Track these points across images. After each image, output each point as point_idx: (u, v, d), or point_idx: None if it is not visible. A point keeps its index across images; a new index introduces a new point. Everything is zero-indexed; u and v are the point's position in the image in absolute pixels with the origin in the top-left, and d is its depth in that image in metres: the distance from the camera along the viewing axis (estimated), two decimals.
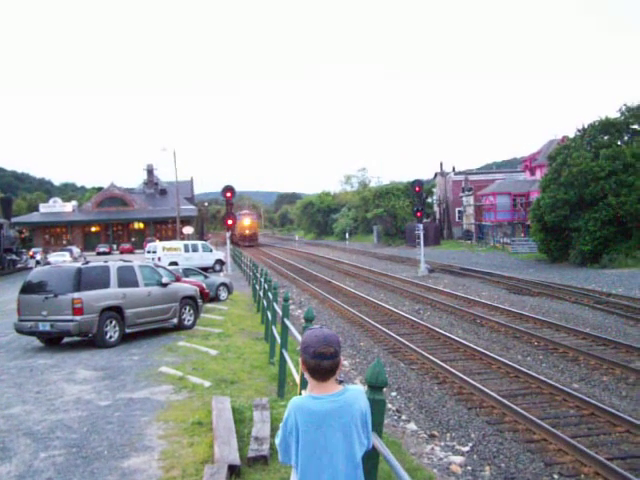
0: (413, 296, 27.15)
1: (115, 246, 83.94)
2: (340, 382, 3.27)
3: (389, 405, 11.50)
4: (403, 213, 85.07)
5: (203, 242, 49.87)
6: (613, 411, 10.16)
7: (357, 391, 3.31)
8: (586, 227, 39.15)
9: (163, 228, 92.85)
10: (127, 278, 16.02)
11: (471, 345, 15.65)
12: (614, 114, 43.60)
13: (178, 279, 20.69)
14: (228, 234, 46.12)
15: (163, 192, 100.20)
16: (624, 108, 43.30)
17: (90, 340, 15.25)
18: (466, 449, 9.29)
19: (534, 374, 12.61)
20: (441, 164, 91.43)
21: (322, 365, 3.16)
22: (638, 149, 39.64)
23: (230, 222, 43.31)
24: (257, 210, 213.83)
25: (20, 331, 15.36)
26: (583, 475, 8.05)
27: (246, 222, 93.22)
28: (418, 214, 40.21)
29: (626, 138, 43.21)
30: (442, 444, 9.55)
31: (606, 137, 43.12)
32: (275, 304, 13.61)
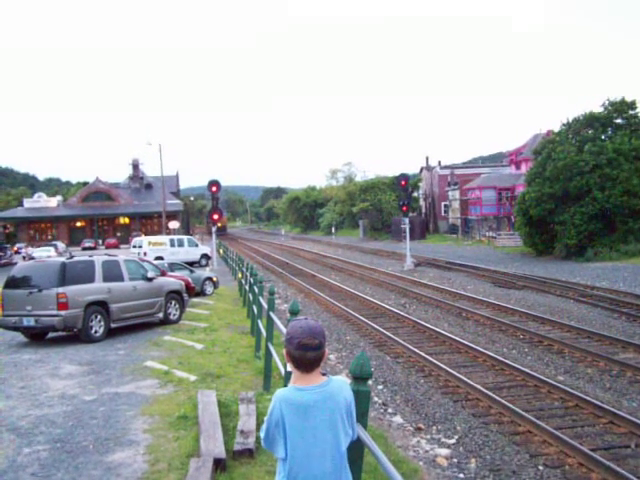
0: (399, 290, 27.20)
1: (101, 241, 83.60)
2: (323, 374, 3.26)
3: (375, 398, 11.52)
4: (389, 207, 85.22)
5: (189, 237, 49.76)
6: (597, 402, 10.23)
7: (341, 382, 3.31)
8: (571, 221, 39.39)
9: (149, 223, 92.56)
10: (112, 273, 15.94)
11: (457, 338, 15.70)
12: (598, 109, 43.90)
13: (164, 273, 20.61)
14: (214, 228, 45.93)
15: (149, 187, 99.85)
16: (607, 103, 43.56)
17: (75, 335, 15.17)
18: (452, 442, 9.32)
19: (519, 367, 12.67)
20: (427, 158, 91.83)
21: (306, 356, 3.15)
22: (620, 144, 39.91)
23: (216, 217, 43.16)
24: (243, 205, 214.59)
25: (4, 326, 15.25)
26: (567, 466, 8.10)
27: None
28: (404, 208, 40.19)
29: (610, 132, 43.46)
30: (428, 437, 9.58)
31: (590, 131, 43.36)
32: (261, 298, 13.59)
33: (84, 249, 70.30)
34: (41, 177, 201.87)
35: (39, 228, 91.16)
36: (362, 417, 3.55)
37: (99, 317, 15.25)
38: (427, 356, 13.86)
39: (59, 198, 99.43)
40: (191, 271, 26.48)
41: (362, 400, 3.54)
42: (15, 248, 67.12)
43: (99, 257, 16.31)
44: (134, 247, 43.09)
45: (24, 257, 54.22)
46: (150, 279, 17.03)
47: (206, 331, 16.52)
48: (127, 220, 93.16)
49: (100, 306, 15.25)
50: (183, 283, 19.02)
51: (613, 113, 43.40)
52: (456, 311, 20.80)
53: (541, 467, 8.15)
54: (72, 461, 7.20)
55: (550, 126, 58.42)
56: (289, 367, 3.27)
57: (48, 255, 49.20)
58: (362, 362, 3.58)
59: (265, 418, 3.29)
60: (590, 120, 43.30)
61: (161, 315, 17.37)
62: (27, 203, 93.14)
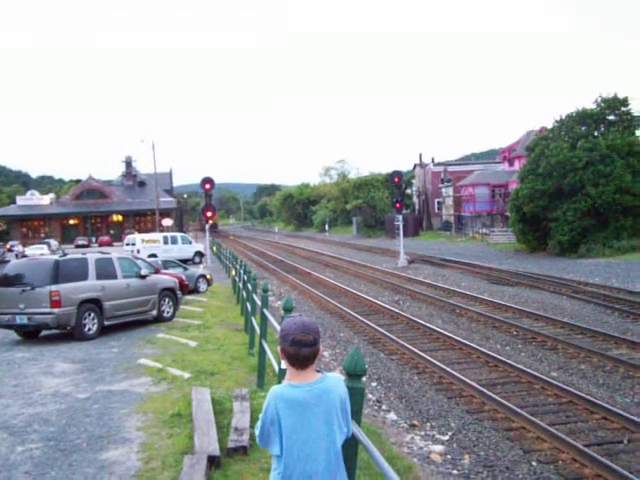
0: (393, 287, 27.20)
1: (94, 239, 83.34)
2: (317, 371, 3.25)
3: (369, 395, 11.53)
4: (382, 204, 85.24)
5: (182, 234, 49.68)
6: (590, 398, 10.26)
7: (336, 378, 3.30)
8: (564, 217, 39.50)
9: (142, 220, 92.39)
10: (105, 270, 15.89)
11: (451, 335, 15.72)
12: (591, 105, 43.99)
13: (157, 271, 20.58)
14: (207, 226, 45.86)
15: (142, 184, 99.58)
16: (600, 99, 43.67)
17: (68, 333, 15.12)
18: (446, 438, 9.33)
19: (513, 363, 12.69)
20: (420, 155, 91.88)
21: (301, 353, 3.14)
22: (613, 140, 40.04)
23: (210, 214, 43.08)
24: (236, 202, 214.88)
25: None
26: (561, 461, 8.12)
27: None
28: (397, 205, 40.14)
29: (602, 129, 43.58)
30: (422, 433, 9.59)
31: (583, 128, 43.48)
32: (254, 295, 13.58)
33: (77, 247, 69.98)
34: (34, 175, 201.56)
35: (32, 226, 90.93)
36: (356, 414, 3.54)
37: (92, 315, 15.21)
38: (421, 353, 13.87)
39: (52, 196, 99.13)
40: (185, 268, 26.45)
41: (356, 397, 3.54)
42: (8, 246, 66.81)
43: (92, 255, 16.26)
44: (127, 245, 42.93)
45: (17, 255, 54.00)
46: (143, 276, 16.99)
47: (200, 328, 16.49)
48: (120, 218, 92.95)
49: (93, 304, 15.20)
50: (177, 280, 18.98)
51: (606, 110, 43.55)
52: (450, 308, 20.82)
53: (534, 463, 8.17)
54: (66, 459, 7.18)
55: (543, 123, 58.67)
56: (283, 364, 3.26)
57: (41, 253, 49.03)
58: (356, 358, 3.58)
59: (260, 415, 3.28)
60: (583, 117, 43.43)
61: (155, 313, 17.33)
62: (20, 201, 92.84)
